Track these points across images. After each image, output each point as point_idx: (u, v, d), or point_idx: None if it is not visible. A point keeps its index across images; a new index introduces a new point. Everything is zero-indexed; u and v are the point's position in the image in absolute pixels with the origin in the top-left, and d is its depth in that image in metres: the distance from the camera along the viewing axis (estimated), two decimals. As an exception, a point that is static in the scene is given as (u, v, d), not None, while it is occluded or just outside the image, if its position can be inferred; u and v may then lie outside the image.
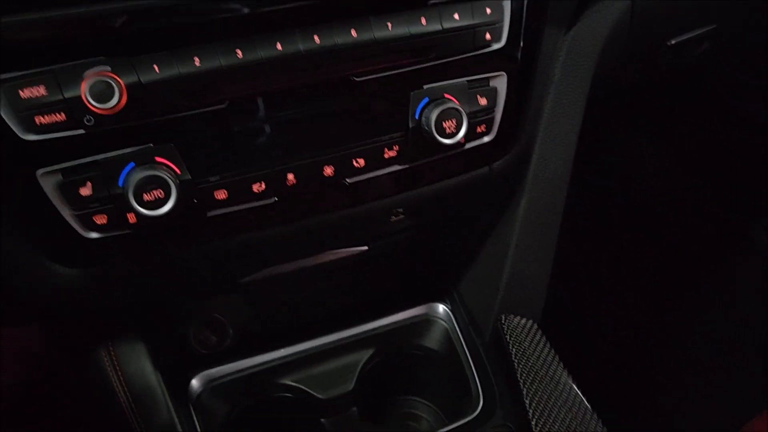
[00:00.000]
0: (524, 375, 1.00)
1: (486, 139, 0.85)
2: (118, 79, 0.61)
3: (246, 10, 0.66)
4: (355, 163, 0.77)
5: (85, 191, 0.66)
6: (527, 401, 0.97)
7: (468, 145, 0.83)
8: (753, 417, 1.19)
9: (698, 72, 1.49)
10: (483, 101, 0.81)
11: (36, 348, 1.04)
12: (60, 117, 0.61)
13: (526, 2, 0.80)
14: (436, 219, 1.05)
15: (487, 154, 0.88)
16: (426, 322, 1.16)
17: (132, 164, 0.66)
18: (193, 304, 1.06)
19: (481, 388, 1.07)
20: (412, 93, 0.77)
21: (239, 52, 0.66)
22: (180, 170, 0.68)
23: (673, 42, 1.15)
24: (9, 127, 0.60)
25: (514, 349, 1.03)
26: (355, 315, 1.14)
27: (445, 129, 0.76)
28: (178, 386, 0.99)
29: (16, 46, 0.59)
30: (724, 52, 1.34)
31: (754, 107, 1.51)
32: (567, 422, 0.95)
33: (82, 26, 0.60)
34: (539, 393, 0.97)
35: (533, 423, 0.94)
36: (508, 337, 1.04)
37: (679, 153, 1.70)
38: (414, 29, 0.72)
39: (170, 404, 0.94)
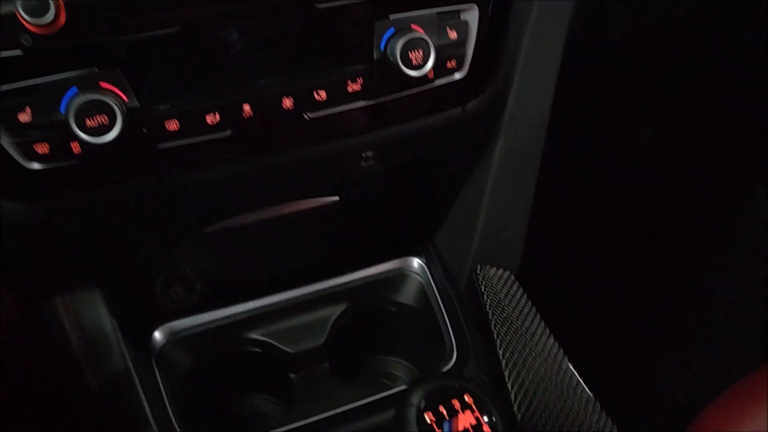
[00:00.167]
0: (498, 326, 0.97)
1: (457, 75, 0.81)
2: None
3: None
4: (316, 95, 0.74)
5: (24, 117, 0.63)
6: (500, 352, 0.94)
7: (438, 82, 0.80)
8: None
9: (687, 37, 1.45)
10: (453, 35, 0.78)
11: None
12: None
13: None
14: (408, 164, 1.02)
15: (460, 94, 0.85)
16: (400, 276, 1.13)
17: (75, 89, 0.63)
18: (158, 254, 1.02)
19: (455, 342, 1.05)
20: (377, 23, 0.73)
21: None
22: (127, 97, 0.65)
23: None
24: None
25: (488, 300, 1.00)
26: (328, 269, 1.11)
27: (411, 60, 0.73)
28: (139, 337, 0.96)
29: None
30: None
31: (755, 107, 1.48)
32: (542, 372, 0.93)
33: None
34: (513, 344, 0.95)
35: (506, 374, 0.92)
36: (482, 288, 1.02)
37: (677, 144, 1.67)
38: None
39: (127, 354, 0.91)
